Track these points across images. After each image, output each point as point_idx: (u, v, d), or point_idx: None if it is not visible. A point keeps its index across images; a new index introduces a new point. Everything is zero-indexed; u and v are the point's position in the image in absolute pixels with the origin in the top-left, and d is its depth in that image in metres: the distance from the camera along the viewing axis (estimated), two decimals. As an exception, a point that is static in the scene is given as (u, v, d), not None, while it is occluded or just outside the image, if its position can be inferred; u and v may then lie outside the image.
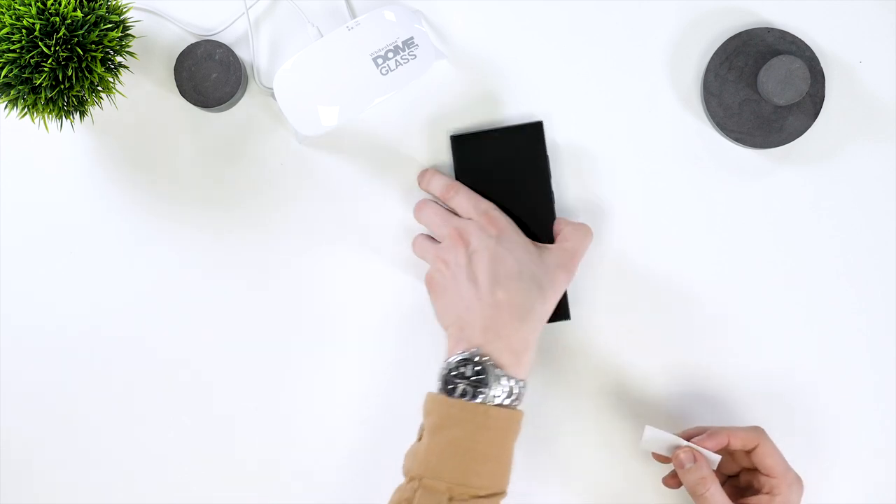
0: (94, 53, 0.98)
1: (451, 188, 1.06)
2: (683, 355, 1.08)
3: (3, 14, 0.97)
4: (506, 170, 1.06)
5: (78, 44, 0.97)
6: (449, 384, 0.97)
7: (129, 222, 1.09)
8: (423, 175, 1.08)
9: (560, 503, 1.08)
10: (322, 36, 1.06)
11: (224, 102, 1.06)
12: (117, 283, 1.09)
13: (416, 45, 1.03)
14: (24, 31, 0.96)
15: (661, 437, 1.02)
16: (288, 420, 1.09)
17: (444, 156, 1.08)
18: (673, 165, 1.09)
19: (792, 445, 1.07)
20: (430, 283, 1.03)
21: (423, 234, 1.07)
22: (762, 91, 1.05)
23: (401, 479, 0.98)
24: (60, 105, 0.99)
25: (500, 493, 0.97)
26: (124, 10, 1.01)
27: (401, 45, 1.03)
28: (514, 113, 1.08)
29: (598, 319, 1.08)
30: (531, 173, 1.07)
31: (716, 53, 1.08)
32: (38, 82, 0.97)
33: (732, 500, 1.01)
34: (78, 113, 1.01)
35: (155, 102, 1.09)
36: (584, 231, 1.04)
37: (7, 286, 1.09)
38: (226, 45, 1.06)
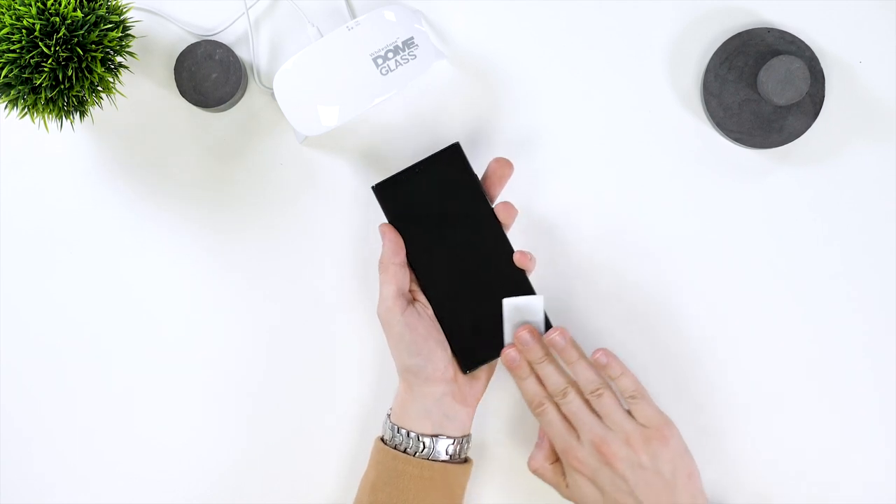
0: (94, 53, 0.98)
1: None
2: (680, 355, 1.08)
3: (3, 14, 0.97)
4: (439, 203, 1.02)
5: (78, 44, 0.97)
6: None
7: (129, 222, 1.09)
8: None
9: None
10: (322, 36, 1.06)
11: (224, 102, 1.06)
12: (117, 282, 1.09)
13: (416, 45, 1.03)
14: (24, 31, 0.96)
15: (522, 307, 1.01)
16: (288, 419, 1.09)
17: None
18: (673, 165, 1.09)
19: (793, 446, 1.07)
20: None
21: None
22: (762, 91, 1.05)
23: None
24: (60, 105, 0.99)
25: None
26: (124, 10, 1.01)
27: (401, 45, 1.03)
28: (513, 113, 1.09)
29: (596, 319, 1.08)
30: (466, 198, 1.02)
31: (716, 53, 1.08)
32: (38, 82, 0.97)
33: None
34: (78, 113, 1.01)
35: (155, 102, 1.09)
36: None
37: (7, 286, 1.09)
38: (226, 45, 1.06)
